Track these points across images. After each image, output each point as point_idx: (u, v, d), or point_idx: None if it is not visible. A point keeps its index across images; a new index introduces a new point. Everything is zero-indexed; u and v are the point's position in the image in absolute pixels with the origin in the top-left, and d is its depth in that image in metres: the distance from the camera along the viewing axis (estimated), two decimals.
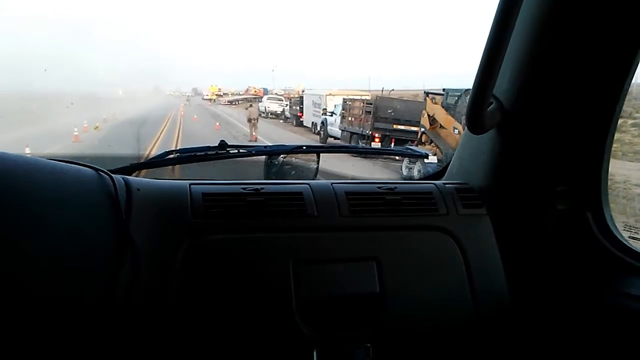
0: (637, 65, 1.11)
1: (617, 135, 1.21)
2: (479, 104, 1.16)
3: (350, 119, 15.26)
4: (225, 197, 1.18)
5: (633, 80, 1.14)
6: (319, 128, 18.69)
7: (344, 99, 16.53)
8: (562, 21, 1.13)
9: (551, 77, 1.19)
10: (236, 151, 1.47)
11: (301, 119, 22.06)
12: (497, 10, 1.04)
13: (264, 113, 27.83)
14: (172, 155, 1.47)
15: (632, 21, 1.07)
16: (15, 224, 0.84)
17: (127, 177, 1.18)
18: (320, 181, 1.36)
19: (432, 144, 11.06)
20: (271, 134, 17.06)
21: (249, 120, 18.20)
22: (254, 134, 16.98)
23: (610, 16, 1.08)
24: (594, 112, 1.17)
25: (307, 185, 1.28)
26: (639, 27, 1.07)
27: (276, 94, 34.05)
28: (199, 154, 1.45)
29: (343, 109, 15.88)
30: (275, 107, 27.71)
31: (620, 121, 1.19)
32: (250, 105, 20.42)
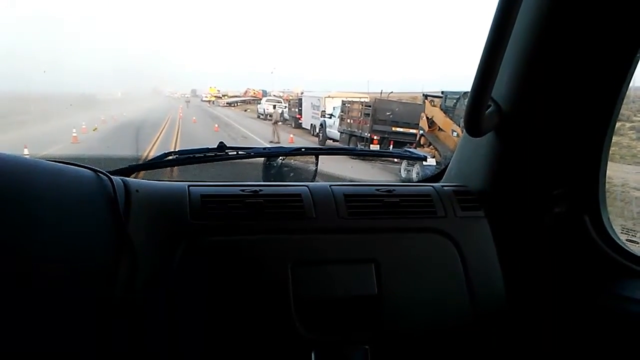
0: (635, 68, 1.12)
1: (614, 139, 1.21)
2: (477, 107, 1.16)
3: (349, 121, 15.26)
4: (224, 199, 1.19)
5: (631, 84, 1.14)
6: (317, 130, 18.69)
7: (342, 101, 16.54)
8: (560, 25, 1.14)
9: (549, 80, 1.19)
10: (235, 153, 1.47)
11: (300, 121, 22.05)
12: (495, 14, 1.04)
13: (262, 115, 27.85)
14: (171, 157, 1.47)
15: (630, 25, 1.07)
16: (14, 225, 0.84)
17: (126, 178, 1.18)
18: (319, 183, 1.36)
19: (431, 146, 11.04)
20: (270, 136, 17.01)
21: (275, 122, 18.45)
22: (276, 137, 16.67)
23: (608, 20, 1.09)
24: (592, 115, 1.17)
25: (305, 187, 1.28)
26: (636, 30, 1.07)
27: (275, 95, 34.05)
28: (197, 155, 1.45)
29: (342, 111, 15.88)
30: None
31: (618, 124, 1.19)
32: (274, 107, 20.17)
